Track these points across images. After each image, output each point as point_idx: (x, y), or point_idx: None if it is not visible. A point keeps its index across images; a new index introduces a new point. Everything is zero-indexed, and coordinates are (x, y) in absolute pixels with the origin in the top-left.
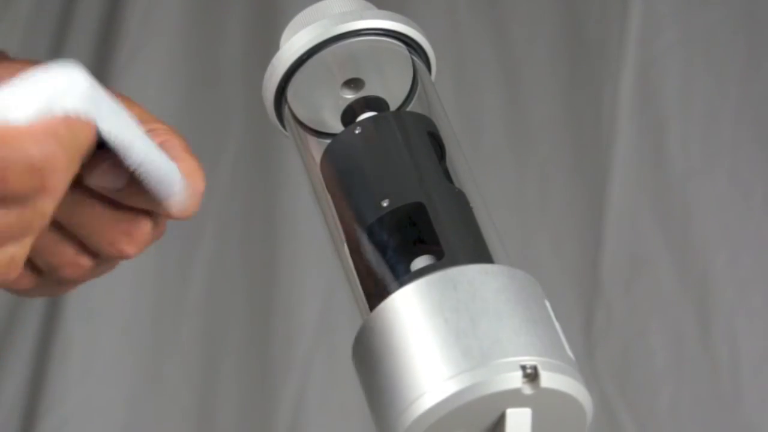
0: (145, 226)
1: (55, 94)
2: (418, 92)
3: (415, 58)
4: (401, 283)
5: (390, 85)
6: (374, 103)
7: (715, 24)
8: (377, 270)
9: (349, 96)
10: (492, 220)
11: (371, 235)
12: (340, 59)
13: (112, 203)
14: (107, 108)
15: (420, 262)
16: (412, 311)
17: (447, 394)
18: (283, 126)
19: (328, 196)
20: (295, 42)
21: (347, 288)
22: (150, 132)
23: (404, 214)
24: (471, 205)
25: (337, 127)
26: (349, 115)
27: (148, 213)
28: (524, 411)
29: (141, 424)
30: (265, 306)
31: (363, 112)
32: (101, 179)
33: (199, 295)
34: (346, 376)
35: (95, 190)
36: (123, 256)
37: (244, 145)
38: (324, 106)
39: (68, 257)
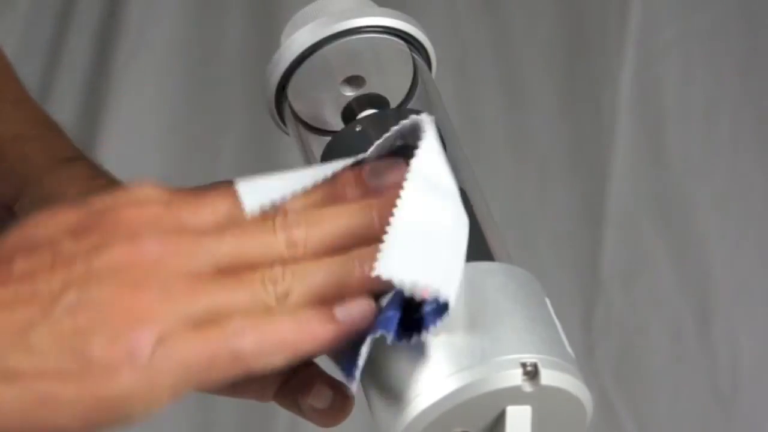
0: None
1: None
2: (418, 90)
3: (415, 56)
4: None
5: (390, 82)
6: (375, 100)
7: (715, 21)
8: None
9: (350, 93)
10: (492, 218)
11: None
12: (340, 57)
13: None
14: None
15: None
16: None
17: (447, 391)
18: (284, 123)
19: None
20: (295, 39)
21: None
22: None
23: None
24: (471, 202)
25: (338, 124)
26: (349, 113)
27: None
28: (524, 408)
29: (140, 423)
30: None
31: (363, 109)
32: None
33: None
34: None
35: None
36: None
37: (245, 143)
38: (324, 103)
39: None
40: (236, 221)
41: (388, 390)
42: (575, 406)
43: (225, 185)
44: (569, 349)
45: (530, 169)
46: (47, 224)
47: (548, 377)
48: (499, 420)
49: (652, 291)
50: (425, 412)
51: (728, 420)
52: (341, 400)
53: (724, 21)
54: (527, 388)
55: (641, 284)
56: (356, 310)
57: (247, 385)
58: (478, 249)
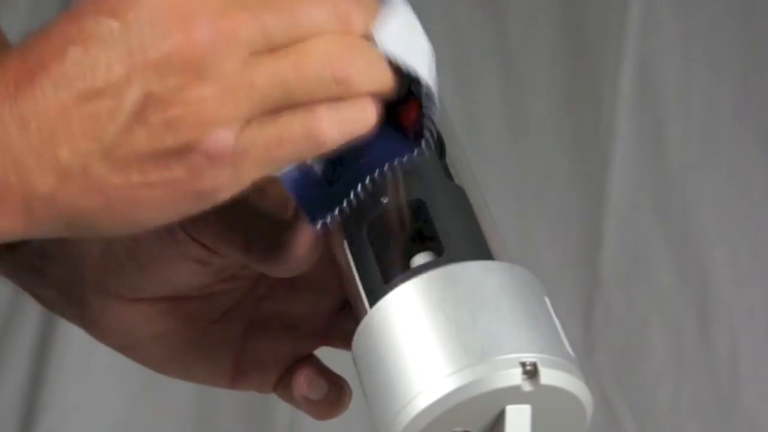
0: None
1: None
2: None
3: None
4: (401, 280)
5: None
6: None
7: (715, 19)
8: (377, 267)
9: None
10: (492, 216)
11: (371, 231)
12: None
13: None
14: None
15: (420, 258)
16: (412, 308)
17: (447, 390)
18: None
19: None
20: None
21: (347, 285)
22: None
23: (404, 210)
24: (471, 201)
25: None
26: None
27: None
28: (524, 408)
29: (140, 422)
30: None
31: None
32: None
33: None
34: (346, 373)
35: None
36: None
37: None
38: None
39: None
40: None
41: (387, 389)
42: (575, 405)
43: None
44: (569, 348)
45: (530, 165)
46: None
47: (548, 376)
48: (499, 419)
49: (652, 288)
50: (424, 412)
51: (727, 417)
52: (336, 393)
53: (724, 20)
54: (527, 387)
55: (641, 281)
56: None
57: (248, 375)
58: (478, 248)
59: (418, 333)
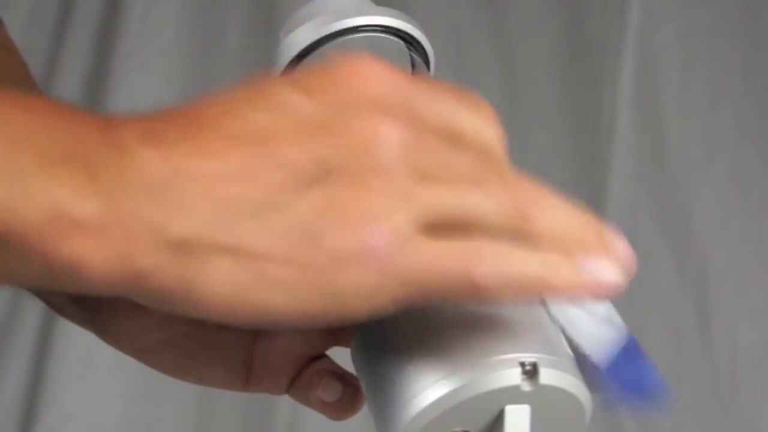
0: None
1: None
2: None
3: (413, 55)
4: None
5: None
6: None
7: (715, 18)
8: None
9: None
10: None
11: None
12: None
13: None
14: None
15: None
16: (411, 308)
17: (445, 390)
18: None
19: None
20: (293, 39)
21: None
22: None
23: None
24: None
25: None
26: None
27: None
28: (523, 408)
29: (140, 422)
30: None
31: None
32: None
33: None
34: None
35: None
36: None
37: None
38: None
39: None
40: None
41: (387, 389)
42: (574, 405)
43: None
44: (568, 348)
45: (530, 169)
46: (274, 84)
47: (547, 376)
48: (498, 419)
49: (652, 288)
50: (424, 412)
51: (728, 417)
52: (351, 394)
53: (725, 18)
54: (526, 387)
55: (640, 281)
56: (607, 272)
57: (261, 378)
58: None
59: (417, 333)
